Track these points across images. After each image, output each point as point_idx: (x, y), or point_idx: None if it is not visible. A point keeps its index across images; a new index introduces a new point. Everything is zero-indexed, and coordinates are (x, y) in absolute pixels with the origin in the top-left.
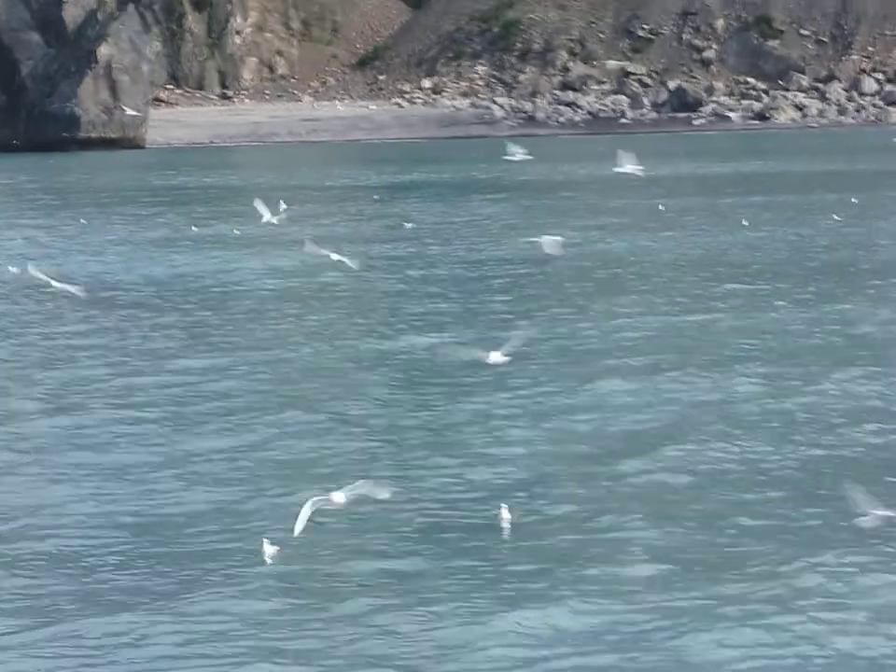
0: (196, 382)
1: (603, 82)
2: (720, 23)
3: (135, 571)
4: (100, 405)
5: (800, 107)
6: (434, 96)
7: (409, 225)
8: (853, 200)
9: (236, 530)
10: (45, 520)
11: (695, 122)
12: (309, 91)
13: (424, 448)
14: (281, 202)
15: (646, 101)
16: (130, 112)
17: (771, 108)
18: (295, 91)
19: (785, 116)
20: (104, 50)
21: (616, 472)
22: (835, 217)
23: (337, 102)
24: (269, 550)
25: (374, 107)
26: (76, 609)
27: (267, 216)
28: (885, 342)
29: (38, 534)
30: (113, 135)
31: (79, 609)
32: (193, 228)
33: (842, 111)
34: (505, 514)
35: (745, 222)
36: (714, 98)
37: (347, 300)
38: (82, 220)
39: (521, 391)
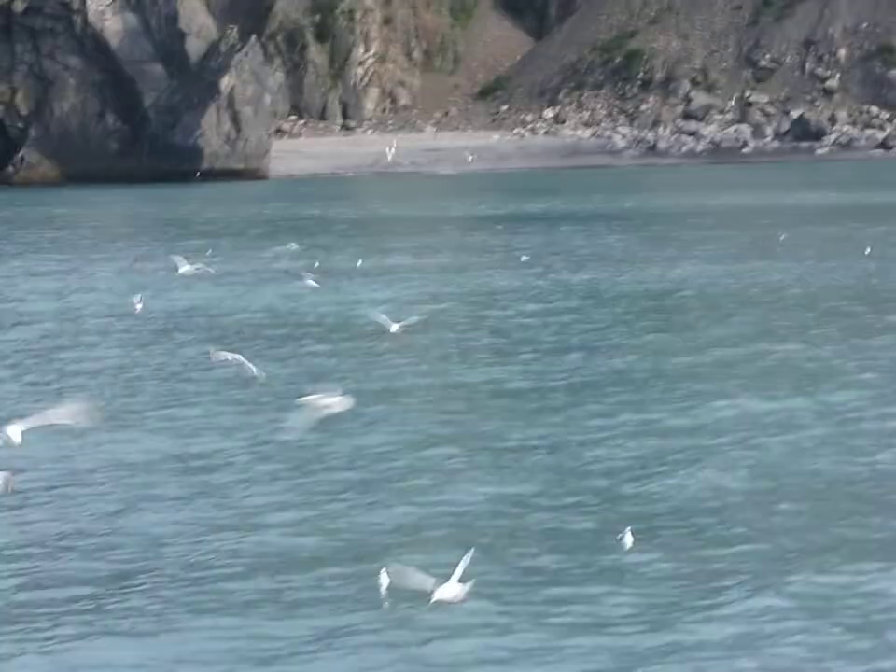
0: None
1: (725, 112)
2: (842, 52)
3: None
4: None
5: None
6: (556, 126)
7: (524, 258)
8: None
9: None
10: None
11: (818, 152)
12: (431, 121)
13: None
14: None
15: (768, 130)
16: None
17: (894, 138)
18: (417, 122)
19: None
20: (226, 82)
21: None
22: None
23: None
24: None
25: (497, 137)
26: None
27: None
28: None
29: None
30: (236, 166)
31: None
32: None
33: None
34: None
35: (867, 251)
36: (837, 127)
37: (481, 328)
38: (209, 251)
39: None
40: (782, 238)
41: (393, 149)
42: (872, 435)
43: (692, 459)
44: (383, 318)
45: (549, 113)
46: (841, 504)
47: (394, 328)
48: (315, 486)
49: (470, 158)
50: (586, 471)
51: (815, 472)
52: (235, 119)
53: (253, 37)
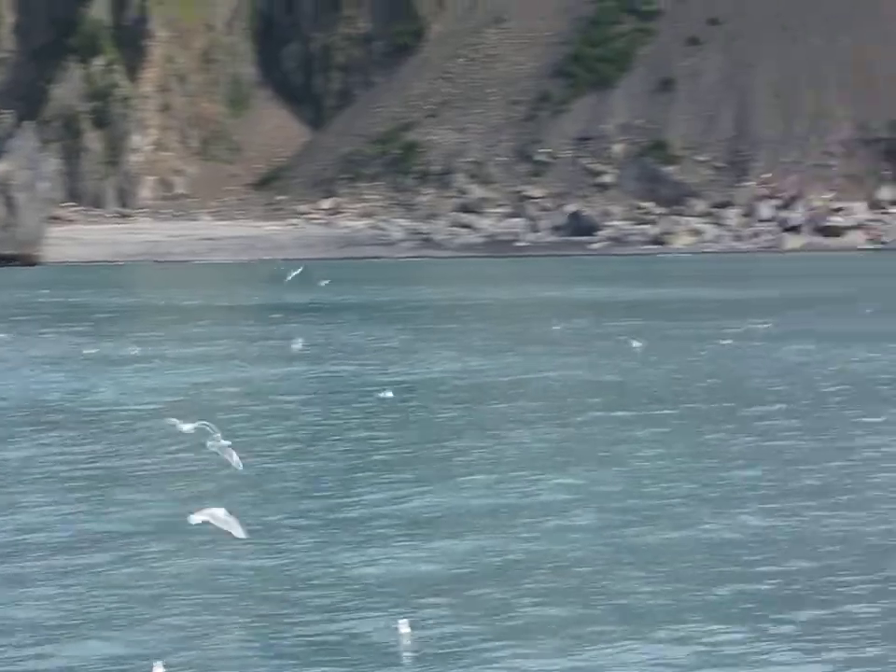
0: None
1: (501, 205)
2: (617, 148)
3: None
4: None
5: (696, 232)
6: (332, 217)
7: (297, 346)
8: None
9: None
10: None
11: (592, 246)
12: (208, 210)
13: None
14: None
15: (543, 224)
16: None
17: (667, 233)
18: (193, 210)
19: (681, 241)
20: (0, 167)
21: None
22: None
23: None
24: None
25: (273, 227)
26: None
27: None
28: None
29: None
30: (9, 252)
31: None
32: (84, 350)
33: (737, 237)
34: None
35: (635, 344)
36: (611, 222)
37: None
38: None
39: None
40: (554, 328)
41: None
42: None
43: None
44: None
45: (325, 204)
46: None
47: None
48: None
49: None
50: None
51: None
52: (9, 205)
53: (28, 123)
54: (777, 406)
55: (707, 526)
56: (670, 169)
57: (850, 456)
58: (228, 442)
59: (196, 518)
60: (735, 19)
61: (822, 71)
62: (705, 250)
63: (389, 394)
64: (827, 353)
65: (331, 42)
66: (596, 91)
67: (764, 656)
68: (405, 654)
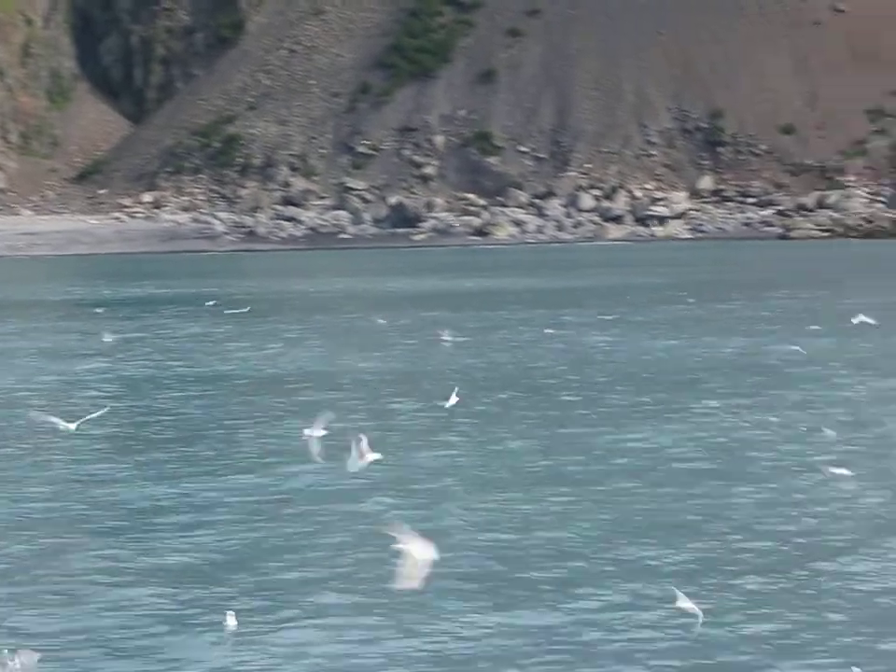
0: None
1: (324, 197)
2: (439, 140)
3: None
4: None
5: (518, 223)
6: (154, 210)
7: (109, 339)
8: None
9: None
10: None
11: (415, 238)
12: (28, 204)
13: None
14: None
15: (366, 216)
16: None
17: (490, 224)
18: (13, 205)
19: (504, 231)
20: None
21: None
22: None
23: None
24: None
25: (94, 222)
26: None
27: None
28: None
29: None
30: None
31: None
32: None
33: (560, 227)
34: None
35: (447, 337)
36: (434, 214)
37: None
38: None
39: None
40: (380, 323)
41: None
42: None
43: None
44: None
45: (147, 197)
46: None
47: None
48: None
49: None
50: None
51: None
52: None
53: None
54: (567, 394)
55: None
56: (492, 160)
57: (600, 446)
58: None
59: None
60: (554, 10)
61: (642, 62)
62: (528, 241)
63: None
64: (641, 341)
65: (151, 35)
66: (417, 83)
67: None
68: None
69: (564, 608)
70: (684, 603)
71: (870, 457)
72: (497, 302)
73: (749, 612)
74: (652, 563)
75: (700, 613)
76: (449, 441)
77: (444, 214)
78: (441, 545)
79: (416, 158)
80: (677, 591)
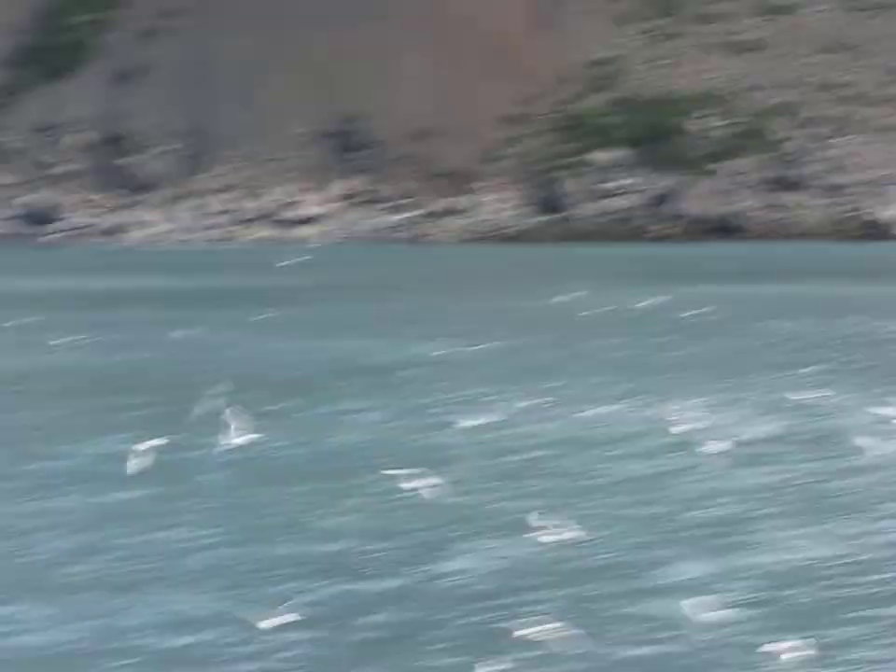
0: None
1: None
2: (73, 140)
3: None
4: None
5: (154, 225)
6: None
7: None
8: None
9: None
10: None
11: (46, 238)
12: None
13: None
14: None
15: None
16: None
17: (125, 225)
18: None
19: (139, 233)
20: None
21: None
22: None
23: None
24: None
25: None
26: None
27: None
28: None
29: None
30: None
31: None
32: None
33: (195, 229)
34: None
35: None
36: (66, 214)
37: None
38: None
39: None
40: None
41: None
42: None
43: None
44: None
45: None
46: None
47: None
48: None
49: None
50: None
51: None
52: None
53: None
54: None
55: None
56: (128, 161)
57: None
58: None
59: None
60: (193, 12)
61: (280, 65)
62: (162, 241)
63: None
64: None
65: None
66: (53, 82)
67: None
68: None
69: None
70: None
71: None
72: (127, 303)
73: None
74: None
75: None
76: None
77: (77, 214)
78: None
79: (49, 158)
80: None
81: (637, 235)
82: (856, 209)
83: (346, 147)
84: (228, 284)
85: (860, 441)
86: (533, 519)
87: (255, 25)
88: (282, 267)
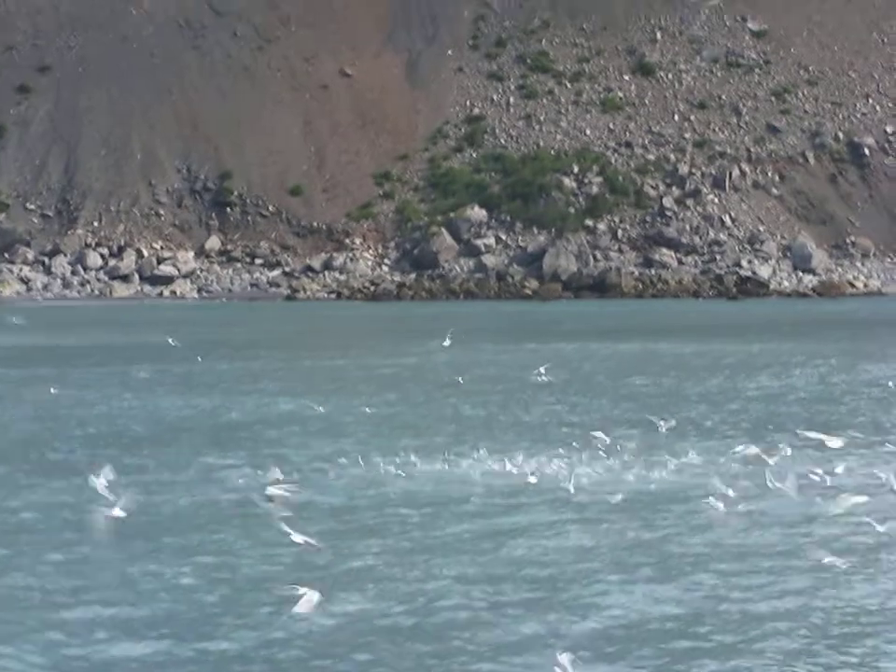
0: None
1: None
2: None
3: None
4: None
5: (25, 281)
6: None
7: None
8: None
9: None
10: None
11: None
12: None
13: None
14: None
15: None
16: None
17: None
18: None
19: (10, 289)
20: None
21: None
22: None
23: None
24: None
25: None
26: None
27: None
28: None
29: None
30: None
31: None
32: None
33: (67, 285)
34: None
35: None
36: None
37: None
38: None
39: None
40: None
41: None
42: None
43: None
44: None
45: None
46: None
47: None
48: None
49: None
50: None
51: None
52: None
53: None
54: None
55: None
56: None
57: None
58: None
59: None
60: (64, 67)
61: (151, 121)
62: (35, 298)
63: None
64: (151, 400)
65: None
66: None
67: None
68: None
69: None
70: None
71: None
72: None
73: None
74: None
75: None
76: None
77: None
78: None
79: None
80: None
81: (510, 293)
82: (733, 266)
83: (220, 203)
84: (100, 340)
85: (701, 501)
86: (374, 575)
87: (126, 80)
88: (154, 324)
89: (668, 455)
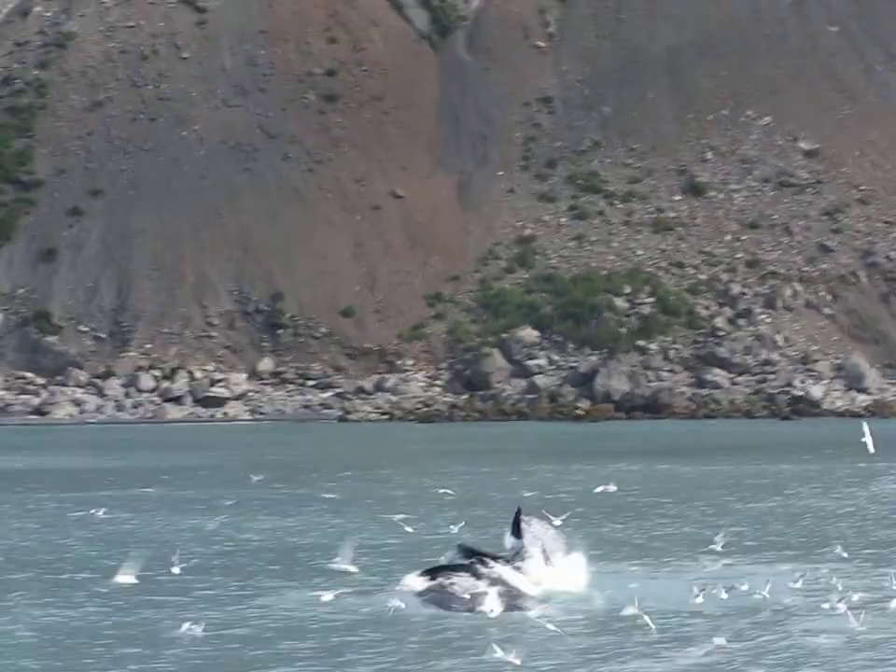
0: None
1: None
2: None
3: None
4: None
5: (78, 403)
6: None
7: None
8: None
9: None
10: None
11: None
12: None
13: None
14: None
15: None
16: None
17: (49, 403)
18: None
19: (64, 411)
20: None
21: None
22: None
23: None
24: None
25: None
26: None
27: None
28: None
29: None
30: None
31: None
32: None
33: (120, 407)
34: None
35: None
36: None
37: None
38: None
39: None
40: None
41: None
42: None
43: None
44: None
45: None
46: None
47: None
48: None
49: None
50: None
51: None
52: None
53: None
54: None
55: None
56: (52, 339)
57: None
58: None
59: None
60: (115, 190)
61: (202, 243)
62: (88, 420)
63: None
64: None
65: None
66: None
67: None
68: None
69: None
70: None
71: None
72: (46, 482)
73: None
74: None
75: None
76: None
77: (2, 392)
78: None
79: None
80: None
81: (562, 413)
82: (786, 385)
83: (271, 325)
84: (152, 462)
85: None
86: None
87: (177, 203)
88: (202, 447)
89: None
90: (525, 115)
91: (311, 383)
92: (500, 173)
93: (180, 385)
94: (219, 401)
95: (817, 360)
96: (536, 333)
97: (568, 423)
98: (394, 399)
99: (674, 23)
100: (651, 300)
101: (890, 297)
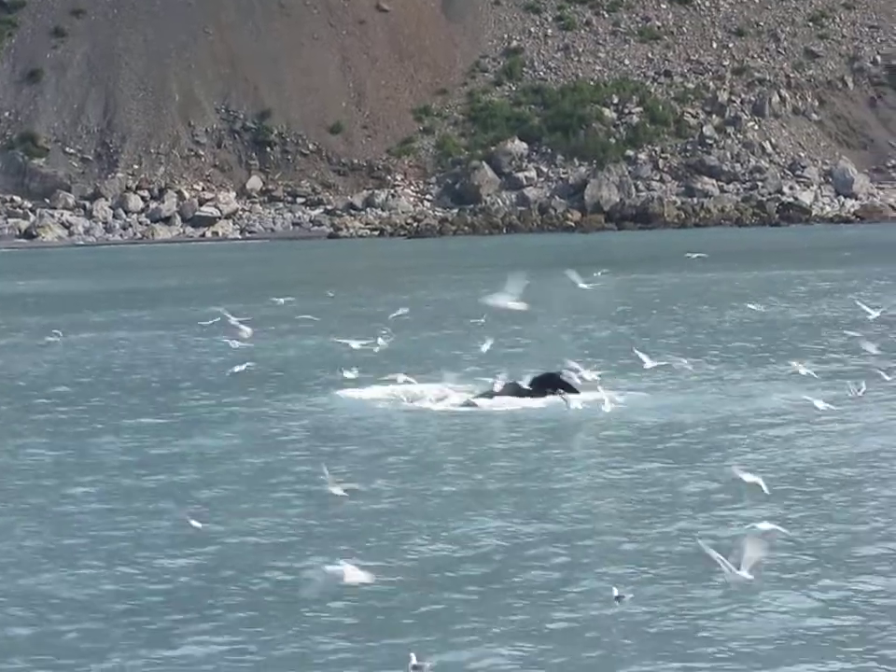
0: None
1: None
2: None
3: None
4: None
5: (67, 225)
6: None
7: None
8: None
9: None
10: None
11: None
12: None
13: None
14: None
15: None
16: None
17: (38, 226)
18: None
19: (52, 233)
20: None
21: None
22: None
23: None
24: None
25: None
26: None
27: None
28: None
29: None
30: None
31: None
32: None
33: (109, 229)
34: None
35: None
36: None
37: None
38: None
39: None
40: None
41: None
42: None
43: None
44: None
45: None
46: None
47: None
48: None
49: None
50: None
51: None
52: None
53: None
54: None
55: None
56: (38, 162)
57: None
58: None
59: None
60: (98, 9)
61: (188, 62)
62: (77, 243)
63: None
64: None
65: None
66: None
67: None
68: None
69: None
70: None
71: None
72: (64, 304)
73: None
74: None
75: None
76: None
77: None
78: None
79: None
80: None
81: (552, 225)
82: (775, 192)
83: (259, 142)
84: (140, 284)
85: None
86: None
87: (162, 21)
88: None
89: None
90: None
91: (300, 200)
92: None
93: (169, 205)
94: (209, 221)
95: (805, 167)
96: (524, 145)
97: (560, 234)
98: (384, 214)
99: None
100: (639, 109)
101: (877, 102)
